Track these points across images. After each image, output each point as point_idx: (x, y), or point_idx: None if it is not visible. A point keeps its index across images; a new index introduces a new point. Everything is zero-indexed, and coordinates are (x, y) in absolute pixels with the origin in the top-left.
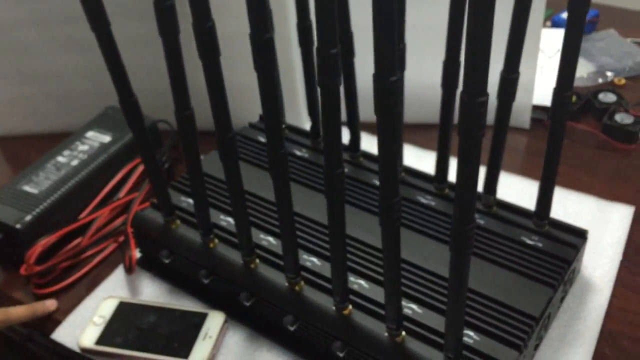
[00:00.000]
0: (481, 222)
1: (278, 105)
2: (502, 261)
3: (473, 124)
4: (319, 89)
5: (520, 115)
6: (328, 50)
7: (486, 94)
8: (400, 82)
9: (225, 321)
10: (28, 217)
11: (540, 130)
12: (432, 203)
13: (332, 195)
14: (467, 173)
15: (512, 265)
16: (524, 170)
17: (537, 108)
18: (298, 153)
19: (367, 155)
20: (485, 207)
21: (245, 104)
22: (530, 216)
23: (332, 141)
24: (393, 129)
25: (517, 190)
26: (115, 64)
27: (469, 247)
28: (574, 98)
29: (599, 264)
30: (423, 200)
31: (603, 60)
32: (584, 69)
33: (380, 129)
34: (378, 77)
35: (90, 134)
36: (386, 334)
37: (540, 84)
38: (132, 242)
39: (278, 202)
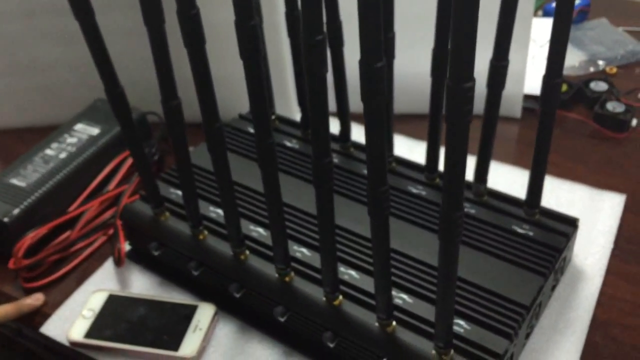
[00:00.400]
0: (472, 211)
1: (265, 94)
2: (492, 250)
3: (460, 110)
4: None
5: (512, 104)
6: (313, 36)
7: (472, 80)
8: (385, 68)
9: (216, 313)
10: (16, 211)
11: (532, 120)
12: (423, 193)
13: (321, 185)
14: (455, 160)
15: (503, 254)
16: (515, 160)
17: (528, 97)
18: (288, 144)
19: (358, 146)
20: (476, 196)
21: (235, 95)
22: (521, 205)
23: (319, 130)
24: (379, 116)
25: (508, 179)
26: (100, 54)
27: (458, 235)
28: (565, 87)
29: (591, 253)
30: (414, 190)
31: (595, 49)
32: (575, 58)
33: (367, 117)
34: (364, 63)
35: (78, 126)
36: (377, 324)
37: (531, 73)
38: (122, 234)
39: (266, 193)
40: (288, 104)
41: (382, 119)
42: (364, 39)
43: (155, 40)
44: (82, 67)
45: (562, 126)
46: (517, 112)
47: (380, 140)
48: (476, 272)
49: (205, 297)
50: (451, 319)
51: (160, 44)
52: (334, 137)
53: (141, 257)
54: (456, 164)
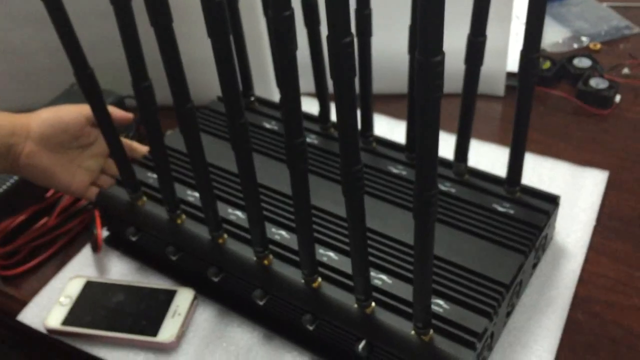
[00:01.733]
0: (452, 190)
1: (234, 74)
2: (472, 229)
3: (429, 85)
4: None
5: (494, 82)
6: (281, 12)
7: (442, 53)
8: (353, 43)
9: (195, 298)
10: None
11: (514, 98)
12: (404, 172)
13: (294, 166)
14: (427, 137)
15: (483, 232)
16: (499, 139)
17: (511, 75)
18: (267, 125)
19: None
20: (456, 175)
21: (212, 77)
22: (501, 183)
23: (291, 109)
24: (349, 93)
25: (492, 158)
26: (67, 35)
27: (432, 214)
28: (548, 64)
29: (573, 230)
30: (394, 170)
31: (578, 25)
32: (559, 34)
33: (337, 94)
34: (331, 39)
35: None
36: (355, 305)
37: (514, 51)
38: (98, 220)
39: (241, 174)
40: (267, 86)
41: (353, 96)
42: (331, 13)
43: (122, 20)
44: (56, 50)
45: (545, 103)
46: (500, 90)
47: (351, 118)
48: (456, 251)
49: (184, 281)
50: (429, 299)
51: (128, 23)
52: (313, 118)
53: (119, 243)
54: (428, 141)
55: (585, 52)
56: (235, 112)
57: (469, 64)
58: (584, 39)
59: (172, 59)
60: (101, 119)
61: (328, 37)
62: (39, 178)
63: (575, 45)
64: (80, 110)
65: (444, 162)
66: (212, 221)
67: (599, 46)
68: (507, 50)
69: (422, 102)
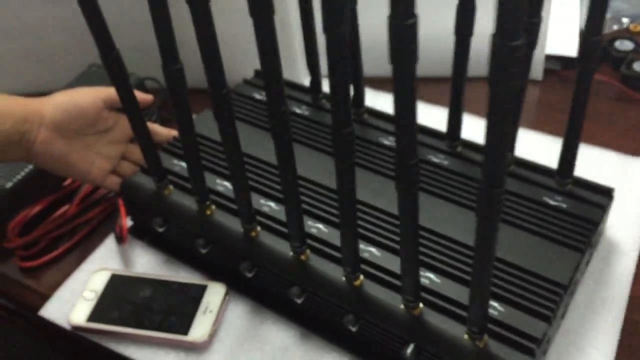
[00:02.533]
0: None
1: (278, 56)
2: (524, 224)
3: (507, 72)
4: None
5: (533, 66)
6: None
7: (522, 37)
8: (417, 26)
9: (227, 293)
10: (9, 185)
11: (553, 82)
12: (445, 162)
13: (342, 159)
14: (499, 130)
15: (535, 228)
16: (536, 125)
17: (550, 58)
18: (298, 111)
19: (372, 112)
20: None
21: (238, 58)
22: (551, 174)
23: (339, 97)
24: (410, 79)
25: (531, 146)
26: (94, 15)
27: (497, 212)
28: None
29: (624, 225)
30: (435, 160)
31: (618, 5)
32: None
33: (396, 81)
34: (393, 19)
35: None
36: (402, 306)
37: (553, 32)
38: (123, 211)
39: (280, 165)
40: (295, 67)
41: (413, 84)
42: None
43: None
44: (74, 28)
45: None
46: (538, 73)
47: (411, 108)
48: (508, 249)
49: (214, 275)
50: (487, 303)
51: (160, 3)
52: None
53: (144, 234)
54: (500, 134)
55: (625, 34)
56: (278, 99)
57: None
58: (624, 20)
59: (209, 41)
60: (128, 103)
61: (389, 17)
62: (55, 167)
63: (615, 27)
64: (97, 94)
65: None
66: (245, 213)
67: (639, 28)
68: (547, 32)
69: (496, 91)
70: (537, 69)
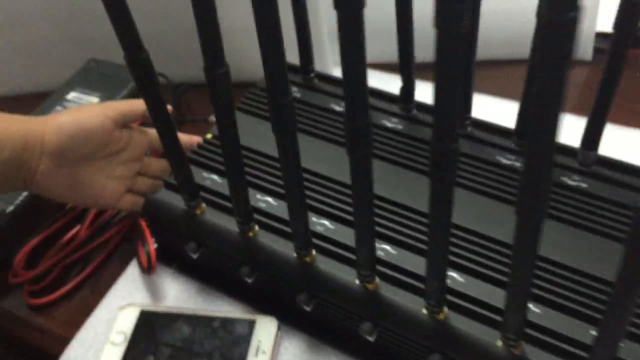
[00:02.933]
0: (583, 185)
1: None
2: (562, 215)
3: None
4: None
5: (582, 45)
6: None
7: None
8: (577, 21)
9: (279, 328)
10: (10, 208)
11: (603, 62)
12: (516, 164)
13: (441, 178)
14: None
15: (575, 219)
16: (582, 111)
17: (599, 35)
18: (337, 108)
19: (422, 107)
20: (582, 166)
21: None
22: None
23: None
24: (560, 86)
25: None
26: (119, 11)
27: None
28: None
29: None
30: (504, 161)
31: None
32: None
33: (541, 83)
34: (548, 13)
35: (72, 95)
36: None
37: (605, 7)
38: (149, 235)
39: (354, 184)
40: (324, 59)
41: (563, 90)
42: None
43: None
44: (69, 19)
45: (632, 66)
46: (587, 54)
47: (555, 119)
48: (545, 243)
49: (260, 306)
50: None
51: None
52: (394, 97)
53: (171, 259)
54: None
55: None
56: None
57: None
58: None
59: (272, 32)
60: (157, 113)
61: (540, 9)
62: (59, 198)
63: None
64: (105, 112)
65: (566, 150)
66: (301, 236)
67: None
68: (597, 9)
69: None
70: (586, 49)
